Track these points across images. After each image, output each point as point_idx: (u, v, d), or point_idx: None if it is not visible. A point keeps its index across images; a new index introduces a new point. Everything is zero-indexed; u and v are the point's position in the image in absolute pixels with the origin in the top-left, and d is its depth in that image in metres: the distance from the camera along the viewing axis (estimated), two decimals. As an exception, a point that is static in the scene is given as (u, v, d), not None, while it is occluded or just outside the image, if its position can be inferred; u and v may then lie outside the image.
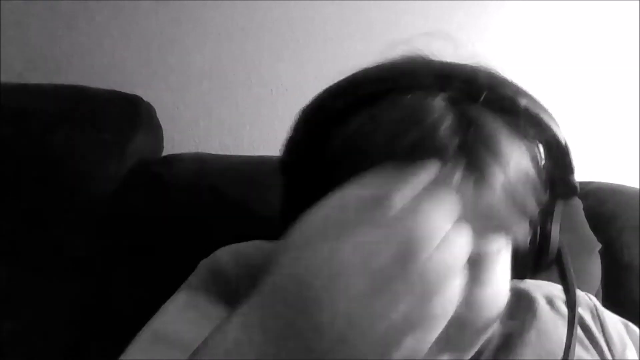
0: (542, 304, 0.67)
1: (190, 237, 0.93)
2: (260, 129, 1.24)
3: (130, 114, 1.05)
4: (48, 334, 0.93)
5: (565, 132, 0.53)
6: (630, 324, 0.69)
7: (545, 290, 0.68)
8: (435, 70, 0.50)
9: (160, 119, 1.13)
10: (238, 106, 1.24)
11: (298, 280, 0.37)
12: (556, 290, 0.68)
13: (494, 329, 0.54)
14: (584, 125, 1.17)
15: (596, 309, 0.68)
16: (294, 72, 1.22)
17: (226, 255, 0.67)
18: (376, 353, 0.36)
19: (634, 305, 0.91)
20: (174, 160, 1.05)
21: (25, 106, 1.03)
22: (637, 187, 1.00)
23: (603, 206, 0.92)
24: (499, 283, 0.52)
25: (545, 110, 0.52)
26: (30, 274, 0.96)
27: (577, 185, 0.56)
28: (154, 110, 1.11)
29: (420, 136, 0.45)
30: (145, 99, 1.10)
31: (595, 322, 0.66)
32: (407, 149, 0.44)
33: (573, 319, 0.56)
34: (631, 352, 0.64)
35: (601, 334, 0.65)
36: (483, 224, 0.46)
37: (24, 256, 0.96)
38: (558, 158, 0.54)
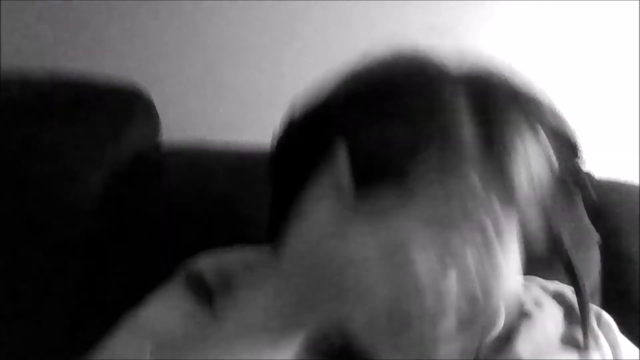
0: (548, 301, 0.67)
1: (185, 230, 0.93)
2: (260, 118, 1.24)
3: (126, 104, 1.04)
4: (45, 317, 0.94)
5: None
6: (604, 314, 0.69)
7: (551, 288, 0.69)
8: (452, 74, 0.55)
9: (157, 108, 1.11)
10: (240, 97, 1.25)
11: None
12: (564, 289, 0.69)
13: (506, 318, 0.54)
14: (584, 122, 1.19)
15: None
16: (295, 64, 1.23)
17: (207, 263, 0.69)
18: None
19: (633, 297, 0.91)
20: (171, 152, 1.04)
21: (18, 97, 1.02)
22: (637, 183, 1.01)
23: (602, 200, 0.92)
24: (511, 264, 0.53)
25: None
26: (26, 264, 0.96)
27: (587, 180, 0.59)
28: (152, 99, 1.09)
29: (443, 154, 0.49)
30: (142, 86, 1.09)
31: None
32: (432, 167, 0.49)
33: (585, 320, 0.59)
34: (603, 342, 0.65)
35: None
36: (501, 194, 0.49)
37: (18, 248, 0.96)
38: (569, 149, 0.57)
